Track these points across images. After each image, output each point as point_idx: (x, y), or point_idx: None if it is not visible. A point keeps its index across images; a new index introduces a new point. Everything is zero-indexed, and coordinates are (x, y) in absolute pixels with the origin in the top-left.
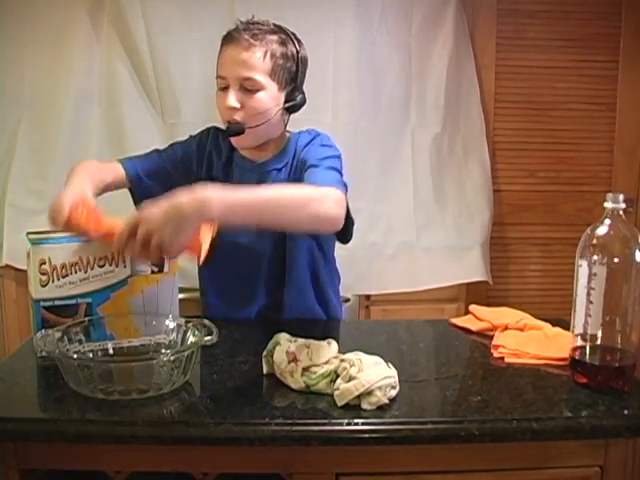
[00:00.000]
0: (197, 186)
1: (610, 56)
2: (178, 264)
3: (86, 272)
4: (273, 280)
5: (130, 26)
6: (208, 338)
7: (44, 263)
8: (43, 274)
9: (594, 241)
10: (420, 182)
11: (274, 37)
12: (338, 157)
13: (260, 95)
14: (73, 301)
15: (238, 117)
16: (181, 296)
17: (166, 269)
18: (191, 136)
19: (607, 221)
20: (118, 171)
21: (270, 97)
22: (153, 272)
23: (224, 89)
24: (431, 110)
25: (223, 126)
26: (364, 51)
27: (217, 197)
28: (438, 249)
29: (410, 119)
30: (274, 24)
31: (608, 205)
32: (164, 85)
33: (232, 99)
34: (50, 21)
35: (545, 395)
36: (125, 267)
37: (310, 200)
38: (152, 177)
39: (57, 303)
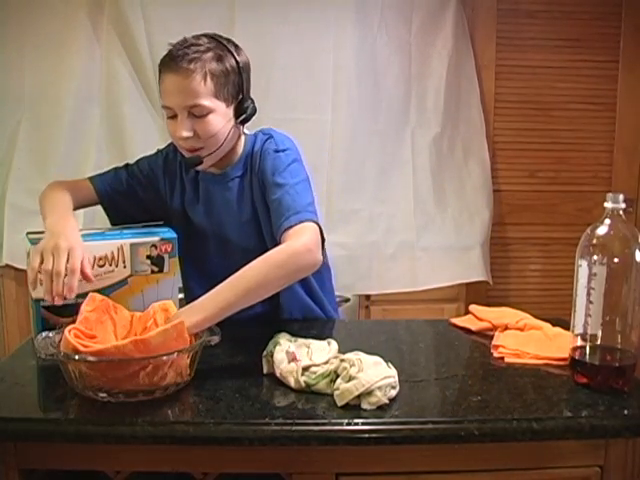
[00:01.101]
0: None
1: (610, 56)
2: (178, 264)
3: None
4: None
5: (130, 26)
6: (212, 338)
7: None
8: None
9: (594, 241)
10: (420, 182)
11: (209, 55)
12: (295, 161)
13: (210, 118)
14: (73, 301)
15: (194, 143)
16: (181, 296)
17: (166, 269)
18: (159, 150)
19: (607, 221)
20: (89, 190)
21: (220, 117)
22: (153, 272)
23: (172, 117)
24: (431, 110)
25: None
26: (364, 52)
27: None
28: (438, 249)
29: (410, 119)
30: (207, 37)
31: (608, 205)
32: None
33: (183, 129)
34: (50, 22)
35: (545, 395)
36: (125, 267)
37: (285, 265)
38: (122, 194)
39: (57, 303)
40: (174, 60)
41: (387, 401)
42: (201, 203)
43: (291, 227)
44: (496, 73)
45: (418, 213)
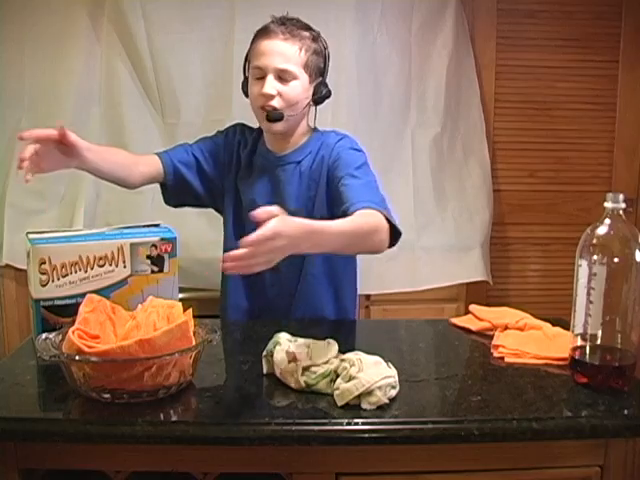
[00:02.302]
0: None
1: (610, 56)
2: (178, 264)
3: (86, 272)
4: (291, 267)
5: (130, 26)
6: (213, 337)
7: (44, 263)
8: (43, 274)
9: (594, 241)
10: (420, 182)
11: (307, 33)
12: (367, 163)
13: (294, 84)
14: (73, 301)
15: (275, 103)
16: (181, 296)
17: (166, 269)
18: (219, 131)
19: (607, 221)
20: (153, 160)
21: (302, 87)
22: (153, 272)
23: (259, 79)
24: (431, 110)
25: (261, 115)
26: (364, 51)
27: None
28: (438, 249)
29: (410, 119)
30: (304, 22)
31: (608, 205)
32: (164, 85)
33: (270, 87)
34: (50, 21)
35: (545, 395)
36: (125, 267)
37: (373, 232)
38: (186, 166)
39: (57, 303)
40: (276, 28)
41: (387, 401)
42: (253, 181)
43: (371, 209)
44: (496, 73)
45: (418, 213)
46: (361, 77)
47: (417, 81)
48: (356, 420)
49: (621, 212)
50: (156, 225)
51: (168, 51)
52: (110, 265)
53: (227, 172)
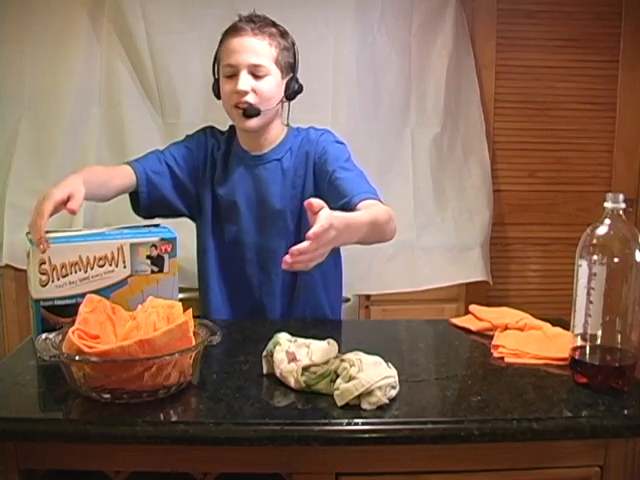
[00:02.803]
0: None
1: (610, 56)
2: (178, 264)
3: (86, 272)
4: (288, 279)
5: (130, 26)
6: (213, 338)
7: (44, 263)
8: (43, 274)
9: (594, 241)
10: (420, 182)
11: (275, 30)
12: (351, 158)
13: (268, 79)
14: (73, 301)
15: (250, 99)
16: (181, 296)
17: (166, 269)
18: (188, 135)
19: (607, 221)
20: (126, 172)
21: (275, 83)
22: (153, 272)
23: (231, 77)
24: (431, 110)
25: (236, 113)
26: (364, 51)
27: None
28: (438, 249)
29: (410, 119)
30: (271, 19)
31: (608, 205)
32: (164, 85)
33: (244, 83)
34: (50, 21)
35: (545, 395)
36: (125, 267)
37: (388, 221)
38: (159, 174)
39: (57, 303)
40: (245, 25)
41: (387, 401)
42: (231, 182)
43: (372, 199)
44: (496, 73)
45: (418, 213)
46: (361, 77)
47: (417, 81)
48: (356, 420)
49: (621, 212)
50: (156, 225)
51: (168, 51)
52: (110, 265)
53: (201, 176)
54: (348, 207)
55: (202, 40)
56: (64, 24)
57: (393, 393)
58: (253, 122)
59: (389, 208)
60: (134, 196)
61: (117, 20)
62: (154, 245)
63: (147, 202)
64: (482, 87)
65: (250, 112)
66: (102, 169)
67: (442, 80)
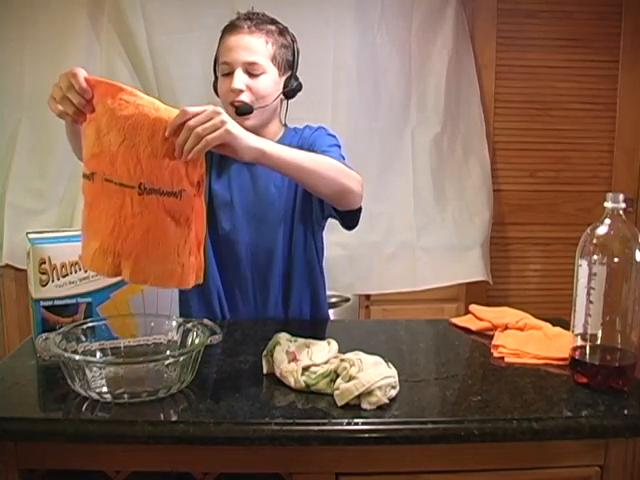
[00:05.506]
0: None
1: (610, 56)
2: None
3: (86, 272)
4: (282, 278)
5: (130, 26)
6: (214, 337)
7: (44, 263)
8: (43, 274)
9: (594, 241)
10: (420, 182)
11: (273, 27)
12: (341, 148)
13: (263, 78)
14: (73, 301)
15: (245, 98)
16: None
17: None
18: None
19: (607, 221)
20: None
21: (272, 81)
22: None
23: (227, 75)
24: (431, 110)
25: (231, 111)
26: (364, 51)
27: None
28: (438, 249)
29: (410, 119)
30: (270, 16)
31: (608, 205)
32: (164, 85)
33: (238, 81)
34: (50, 21)
35: (545, 395)
36: None
37: (341, 171)
38: None
39: (57, 303)
40: (242, 21)
41: (387, 401)
42: (228, 180)
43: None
44: (496, 73)
45: (418, 213)
46: (361, 76)
47: (417, 80)
48: (356, 420)
49: (621, 212)
50: None
51: (168, 51)
52: None
53: None
54: None
55: (202, 40)
56: (64, 24)
57: (393, 393)
58: (247, 121)
59: (355, 173)
60: None
61: (117, 20)
62: None
63: None
64: (482, 87)
65: (242, 110)
66: None
67: (442, 80)
